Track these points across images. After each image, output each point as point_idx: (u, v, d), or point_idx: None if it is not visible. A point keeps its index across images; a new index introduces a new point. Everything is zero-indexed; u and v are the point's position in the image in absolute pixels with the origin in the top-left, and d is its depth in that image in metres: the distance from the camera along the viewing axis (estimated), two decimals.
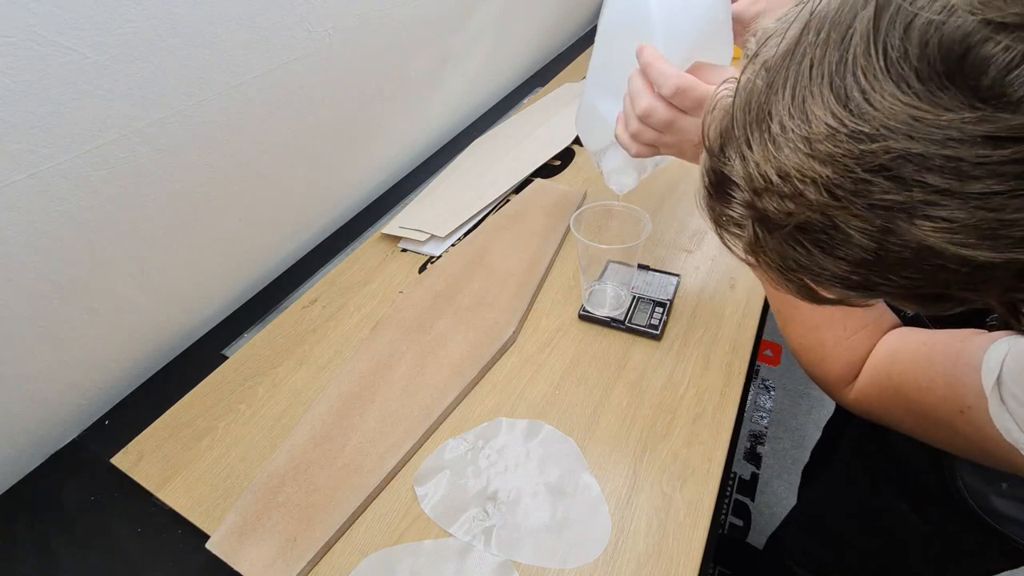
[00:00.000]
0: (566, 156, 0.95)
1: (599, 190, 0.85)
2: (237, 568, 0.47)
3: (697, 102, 0.45)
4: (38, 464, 0.59)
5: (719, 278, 0.68)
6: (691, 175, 0.85)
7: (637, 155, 0.52)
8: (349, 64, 0.79)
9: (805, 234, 0.24)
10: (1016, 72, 0.18)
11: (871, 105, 0.20)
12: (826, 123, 0.22)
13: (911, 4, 0.19)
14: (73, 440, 0.62)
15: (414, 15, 0.88)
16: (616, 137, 0.53)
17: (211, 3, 0.59)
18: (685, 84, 0.45)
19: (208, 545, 0.48)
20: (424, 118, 1.02)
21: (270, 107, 0.70)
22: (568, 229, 0.77)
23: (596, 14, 1.79)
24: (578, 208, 0.63)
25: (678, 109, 0.47)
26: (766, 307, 0.65)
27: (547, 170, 0.91)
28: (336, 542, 0.49)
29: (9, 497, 0.57)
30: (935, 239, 0.21)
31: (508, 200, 0.85)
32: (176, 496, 0.53)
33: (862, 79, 0.21)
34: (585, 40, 1.47)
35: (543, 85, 1.24)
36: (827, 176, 0.22)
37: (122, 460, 0.57)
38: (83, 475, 0.57)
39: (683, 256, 0.71)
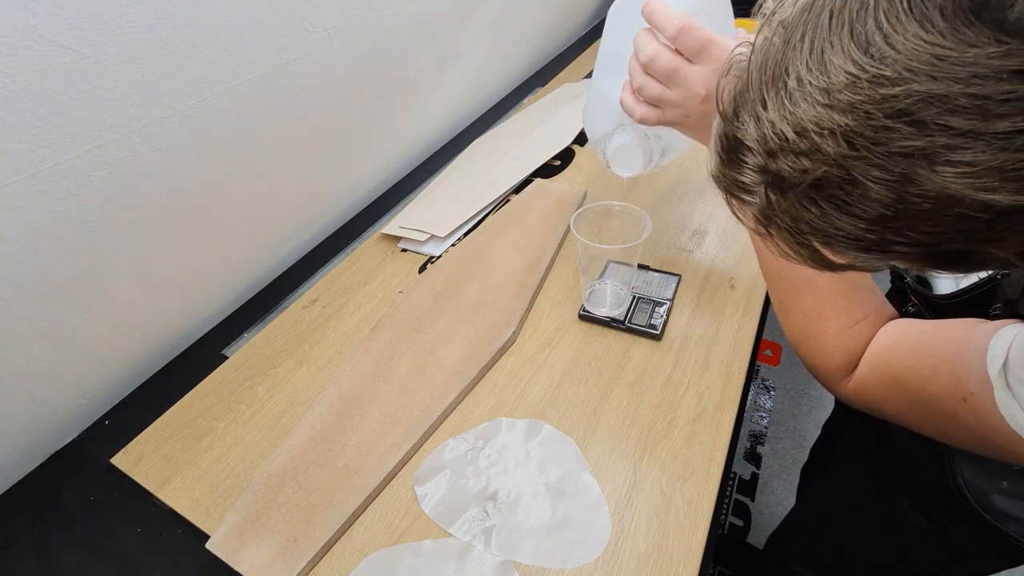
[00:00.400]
0: (566, 156, 0.95)
1: (599, 190, 0.85)
2: (237, 568, 0.47)
3: (701, 44, 0.45)
4: (38, 464, 0.59)
5: (719, 278, 0.68)
6: (691, 175, 0.85)
7: (642, 119, 0.51)
8: (349, 64, 0.79)
9: (820, 191, 0.24)
10: None
11: (893, 48, 0.20)
12: (846, 71, 0.21)
13: None
14: (73, 440, 0.62)
15: (414, 15, 0.88)
16: (621, 103, 0.53)
17: (211, 3, 0.59)
18: (689, 24, 0.45)
19: (208, 545, 0.48)
20: (424, 118, 1.02)
21: (270, 107, 0.70)
22: (568, 229, 0.77)
23: (596, 14, 1.79)
24: (578, 208, 0.63)
25: (682, 57, 0.46)
26: (766, 307, 0.65)
27: (547, 170, 0.91)
28: (336, 542, 0.49)
29: (9, 497, 0.57)
30: (957, 185, 0.21)
31: (508, 200, 0.85)
32: (176, 496, 0.53)
33: (884, 22, 0.21)
34: (585, 40, 1.47)
35: (543, 85, 1.24)
36: (846, 125, 0.22)
37: (122, 460, 0.57)
38: (83, 475, 0.57)
39: (683, 256, 0.71)
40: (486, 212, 0.84)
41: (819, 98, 0.22)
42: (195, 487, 0.54)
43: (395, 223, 0.83)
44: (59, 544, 0.52)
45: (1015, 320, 0.35)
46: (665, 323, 0.62)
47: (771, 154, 0.25)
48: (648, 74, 0.48)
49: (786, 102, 0.24)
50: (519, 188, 0.88)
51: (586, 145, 0.96)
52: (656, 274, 0.68)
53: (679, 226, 0.76)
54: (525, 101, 1.19)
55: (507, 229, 0.79)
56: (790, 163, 0.24)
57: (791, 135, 0.24)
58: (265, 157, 0.72)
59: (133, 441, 0.59)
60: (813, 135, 0.23)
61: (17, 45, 0.46)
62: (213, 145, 0.65)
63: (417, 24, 0.89)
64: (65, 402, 0.61)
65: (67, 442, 0.61)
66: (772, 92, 0.24)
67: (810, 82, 0.23)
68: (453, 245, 0.79)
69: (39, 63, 0.48)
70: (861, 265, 0.27)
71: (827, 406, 1.42)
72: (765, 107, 0.25)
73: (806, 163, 0.24)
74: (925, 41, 0.20)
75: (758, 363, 1.61)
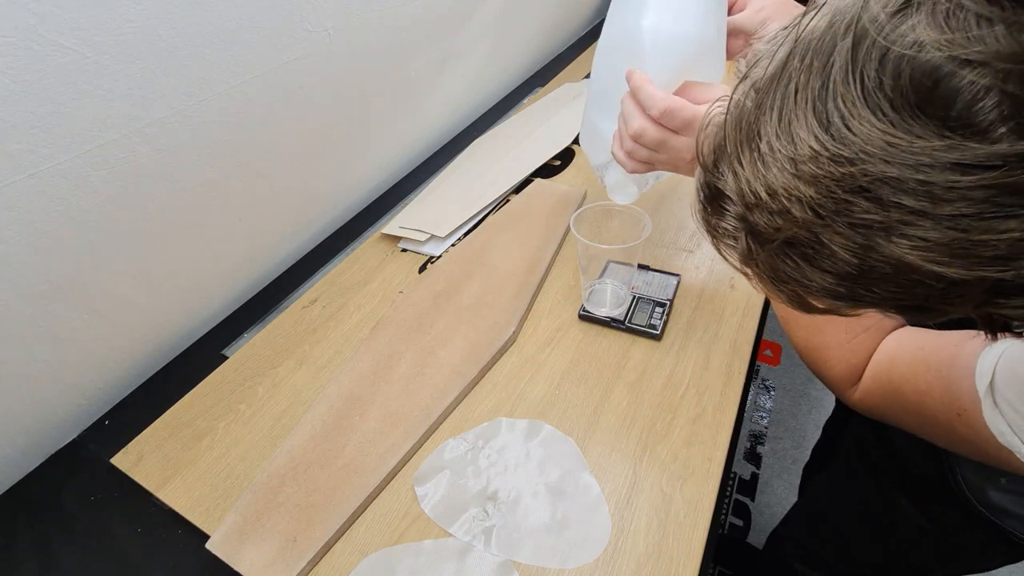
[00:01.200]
0: (566, 156, 0.95)
1: (599, 190, 0.85)
2: (237, 568, 0.47)
3: (685, 122, 0.47)
4: (38, 464, 0.59)
5: (719, 278, 0.68)
6: (691, 177, 0.85)
7: (634, 171, 0.54)
8: (349, 64, 0.79)
9: (793, 248, 0.26)
10: (981, 104, 0.19)
11: (850, 130, 0.21)
12: (810, 145, 0.23)
13: (884, 38, 0.20)
14: (73, 440, 0.61)
15: (414, 15, 0.88)
16: (613, 155, 0.55)
17: (211, 3, 0.59)
18: (672, 106, 0.47)
19: (208, 545, 0.48)
20: (424, 118, 1.02)
21: (270, 107, 0.70)
22: (568, 229, 0.77)
23: (596, 14, 1.78)
24: (578, 208, 0.63)
25: (668, 129, 0.48)
26: (766, 307, 0.65)
27: (547, 170, 0.91)
28: (336, 542, 0.49)
29: (9, 497, 0.57)
30: (912, 257, 0.22)
31: (508, 200, 0.85)
32: (176, 496, 0.53)
33: (842, 105, 0.22)
34: (585, 40, 1.47)
35: (543, 85, 1.24)
36: (811, 196, 0.23)
37: (122, 460, 0.57)
38: (83, 475, 0.57)
39: (683, 256, 0.71)
40: (486, 212, 0.84)
41: (787, 166, 0.24)
42: (195, 487, 0.54)
43: (395, 223, 0.83)
44: (59, 544, 0.52)
45: (1005, 335, 0.36)
46: (665, 323, 0.62)
47: (748, 207, 0.26)
48: (636, 143, 0.51)
49: (759, 164, 0.25)
50: (519, 188, 0.88)
51: None
52: (656, 274, 0.68)
53: (679, 226, 0.76)
54: (525, 101, 1.19)
55: (507, 229, 0.79)
56: (765, 219, 0.26)
57: (764, 195, 0.25)
58: (265, 157, 0.72)
59: (133, 441, 0.59)
60: (783, 199, 0.24)
61: (17, 45, 0.46)
62: (213, 145, 0.65)
63: (417, 24, 0.89)
64: (65, 402, 0.61)
65: (67, 442, 0.61)
66: (747, 151, 0.26)
67: (779, 150, 0.24)
68: (453, 245, 0.79)
69: (39, 63, 0.48)
70: (838, 310, 0.28)
71: (827, 406, 1.42)
72: (741, 164, 0.26)
73: (779, 221, 0.25)
74: (878, 128, 0.21)
75: (758, 363, 1.61)
